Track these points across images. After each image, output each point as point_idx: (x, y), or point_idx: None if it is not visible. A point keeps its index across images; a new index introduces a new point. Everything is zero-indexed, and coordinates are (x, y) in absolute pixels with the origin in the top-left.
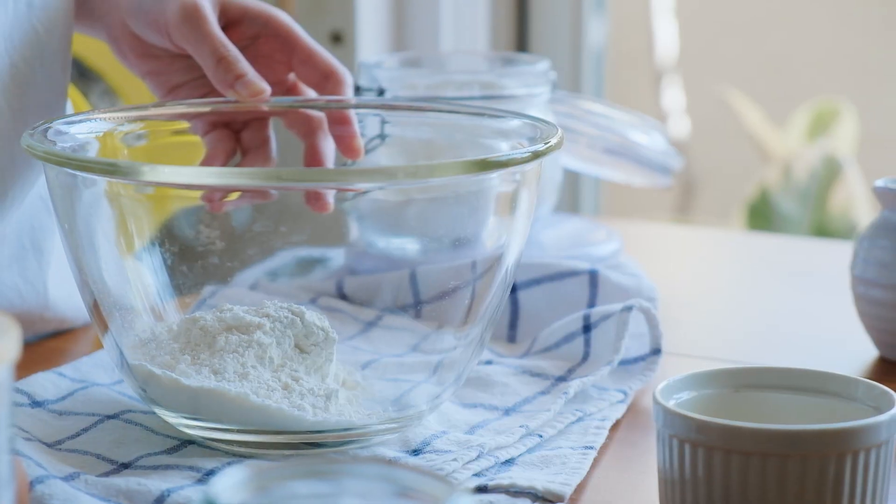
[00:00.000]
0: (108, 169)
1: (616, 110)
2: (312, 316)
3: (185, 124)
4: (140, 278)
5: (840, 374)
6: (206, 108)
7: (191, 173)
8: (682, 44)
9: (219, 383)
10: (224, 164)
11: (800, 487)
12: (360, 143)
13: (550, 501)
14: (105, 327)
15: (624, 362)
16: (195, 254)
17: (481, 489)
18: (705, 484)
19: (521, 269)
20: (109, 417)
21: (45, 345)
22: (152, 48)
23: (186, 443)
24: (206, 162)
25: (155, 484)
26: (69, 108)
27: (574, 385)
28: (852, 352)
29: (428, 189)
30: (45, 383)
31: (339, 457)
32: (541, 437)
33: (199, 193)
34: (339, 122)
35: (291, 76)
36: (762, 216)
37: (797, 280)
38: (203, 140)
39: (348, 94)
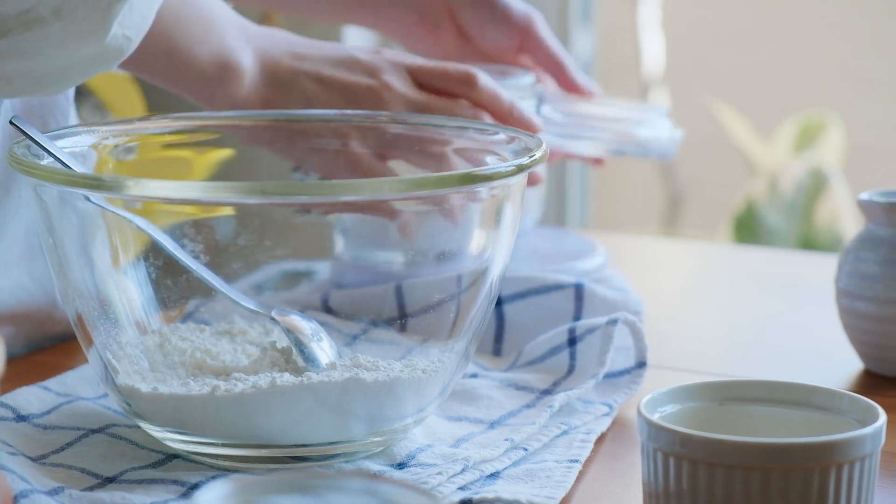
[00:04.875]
0: (93, 183)
1: (611, 105)
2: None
3: (175, 138)
4: (125, 292)
5: (824, 387)
6: (193, 122)
7: (175, 188)
8: (669, 56)
9: (203, 396)
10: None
11: (784, 500)
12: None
13: None
14: (90, 341)
15: (609, 375)
16: (180, 268)
17: (466, 503)
18: (690, 497)
19: (507, 282)
20: (94, 431)
21: (31, 358)
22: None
23: (171, 457)
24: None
25: (139, 498)
26: (73, 119)
27: (559, 398)
28: (838, 364)
29: (413, 202)
30: (30, 397)
31: (323, 470)
32: (526, 450)
33: (184, 208)
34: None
35: None
36: (748, 229)
37: (783, 293)
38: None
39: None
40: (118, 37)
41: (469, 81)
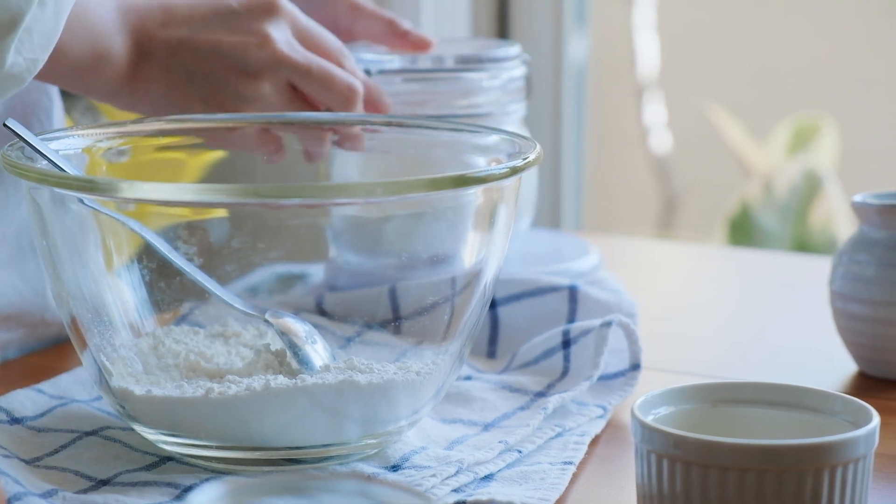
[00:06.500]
0: (86, 186)
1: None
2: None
3: (168, 140)
4: (119, 295)
5: (818, 388)
6: (186, 125)
7: (169, 190)
8: (663, 58)
9: (197, 398)
10: None
11: (777, 502)
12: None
13: None
14: (84, 344)
15: (603, 377)
16: (174, 270)
17: None
18: (683, 499)
19: (501, 284)
20: (88, 434)
21: (25, 361)
22: None
23: (165, 459)
24: None
25: (133, 500)
26: (58, 118)
27: (553, 400)
28: (833, 366)
29: (406, 205)
30: (24, 400)
31: (317, 472)
32: (520, 452)
33: (177, 210)
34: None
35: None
36: (743, 231)
37: (778, 295)
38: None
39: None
40: (19, 63)
41: (343, 54)
